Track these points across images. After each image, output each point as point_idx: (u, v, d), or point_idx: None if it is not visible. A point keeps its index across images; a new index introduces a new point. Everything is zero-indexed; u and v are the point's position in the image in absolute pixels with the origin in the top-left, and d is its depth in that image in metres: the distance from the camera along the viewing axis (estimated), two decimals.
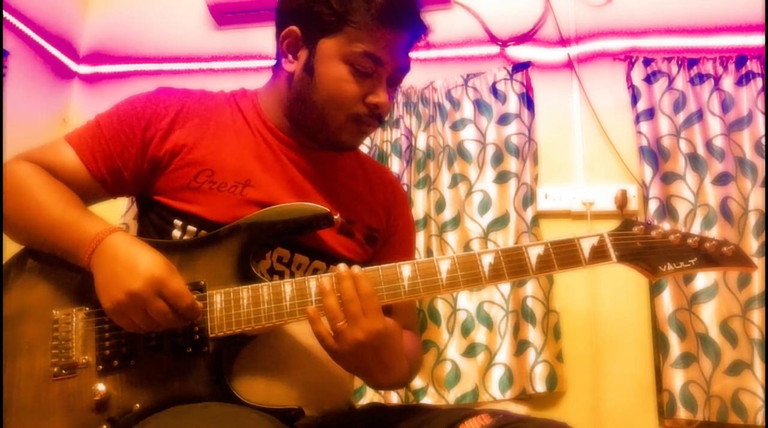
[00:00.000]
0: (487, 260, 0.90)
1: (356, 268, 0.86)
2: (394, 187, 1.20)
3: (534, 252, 0.90)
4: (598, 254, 0.92)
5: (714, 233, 1.78)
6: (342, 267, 0.86)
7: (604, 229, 0.94)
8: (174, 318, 0.84)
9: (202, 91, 1.08)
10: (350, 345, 0.83)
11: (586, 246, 0.92)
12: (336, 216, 0.95)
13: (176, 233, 0.98)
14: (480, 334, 1.89)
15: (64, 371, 0.88)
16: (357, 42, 0.95)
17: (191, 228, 0.97)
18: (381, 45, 0.95)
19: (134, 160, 0.99)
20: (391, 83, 1.02)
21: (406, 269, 0.89)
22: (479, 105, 2.07)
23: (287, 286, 0.89)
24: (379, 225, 1.12)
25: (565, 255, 0.91)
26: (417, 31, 1.01)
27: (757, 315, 1.71)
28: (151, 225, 1.01)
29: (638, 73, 1.97)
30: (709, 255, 0.92)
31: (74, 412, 0.86)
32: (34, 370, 0.88)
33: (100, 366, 0.88)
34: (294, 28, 0.99)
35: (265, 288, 0.89)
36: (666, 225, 0.94)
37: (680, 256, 0.92)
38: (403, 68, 1.03)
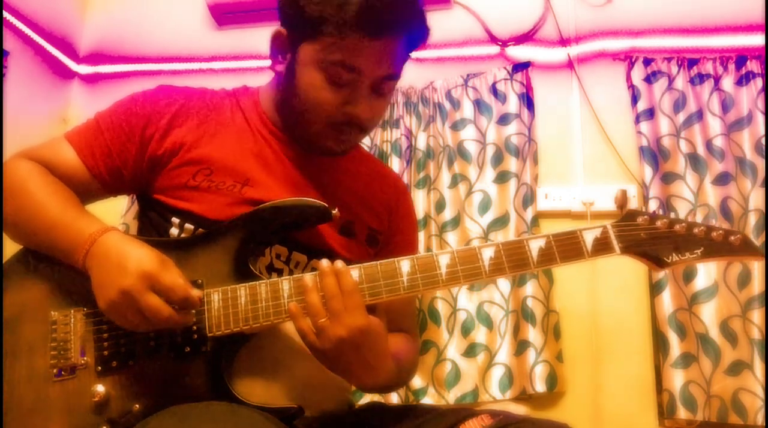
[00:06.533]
0: (487, 254, 0.88)
1: (339, 263, 0.84)
2: (397, 188, 1.18)
3: (535, 246, 0.89)
4: (601, 246, 0.90)
5: None
6: (324, 262, 0.85)
7: (608, 221, 0.92)
8: (169, 313, 0.83)
9: (203, 90, 1.08)
10: (332, 343, 0.81)
11: (589, 238, 0.90)
12: (334, 211, 0.94)
13: (174, 231, 0.97)
14: (480, 334, 1.89)
15: (63, 372, 0.88)
16: (332, 50, 0.90)
17: (189, 226, 0.97)
18: (357, 54, 0.90)
19: (133, 159, 0.99)
20: (377, 91, 0.96)
21: (405, 264, 0.88)
22: (479, 105, 2.07)
23: (285, 284, 0.88)
24: (381, 226, 1.11)
25: (567, 247, 0.89)
26: (406, 38, 0.93)
27: (757, 315, 1.71)
28: (151, 223, 1.01)
29: (638, 73, 1.97)
30: (717, 245, 0.89)
31: (74, 414, 0.86)
32: (34, 371, 0.88)
33: (99, 367, 0.88)
34: (282, 29, 0.98)
35: (263, 286, 0.89)
36: (672, 215, 0.92)
37: (686, 246, 0.90)
38: (390, 76, 0.95)
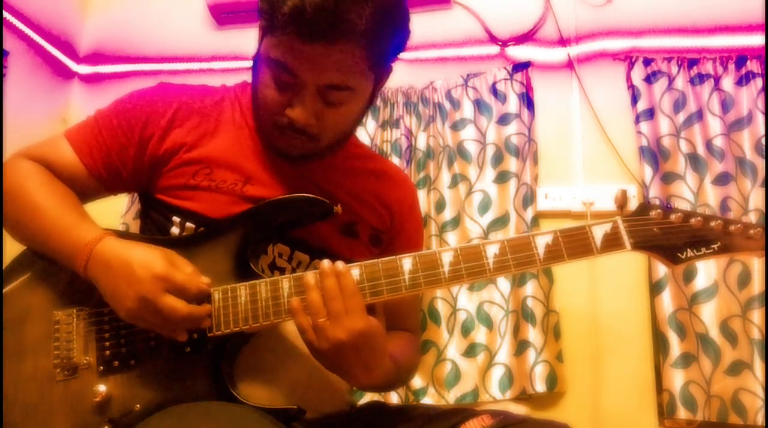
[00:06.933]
0: (491, 251, 0.86)
1: (340, 264, 0.83)
2: (399, 185, 1.16)
3: (542, 242, 0.86)
4: (611, 242, 0.85)
5: None
6: (326, 263, 0.84)
7: (619, 216, 0.88)
8: (188, 309, 0.83)
9: (203, 87, 1.07)
10: (330, 343, 0.80)
11: (598, 233, 0.86)
12: (336, 207, 0.93)
13: (175, 230, 0.97)
14: (480, 334, 1.89)
15: (66, 372, 0.88)
16: (273, 49, 0.87)
17: (190, 225, 0.96)
18: (293, 57, 0.85)
19: (132, 159, 0.99)
20: (325, 99, 0.90)
21: (406, 262, 0.86)
22: (479, 105, 2.07)
23: (285, 283, 0.87)
24: (383, 225, 1.10)
25: (575, 244, 0.85)
26: (359, 47, 0.84)
27: (757, 315, 1.71)
28: (152, 223, 1.01)
29: (638, 73, 1.97)
30: (735, 240, 0.84)
31: (76, 414, 0.86)
32: (38, 371, 0.88)
33: (101, 367, 0.88)
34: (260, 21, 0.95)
35: (263, 285, 0.88)
36: (687, 208, 0.88)
37: (702, 241, 0.85)
38: (333, 86, 0.88)
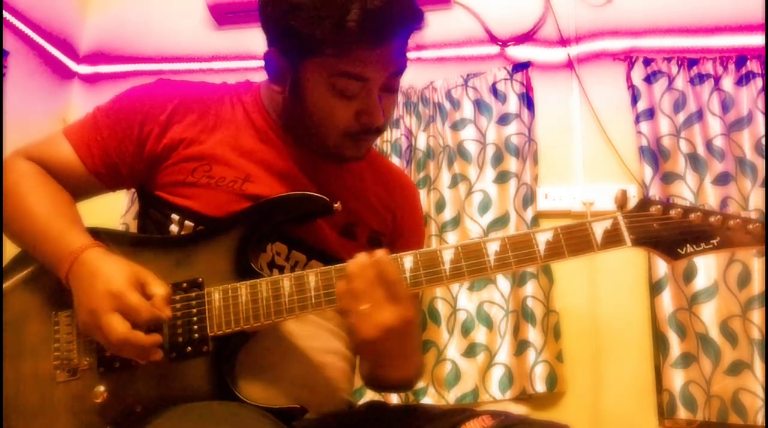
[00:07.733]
0: (492, 248, 0.86)
1: (380, 253, 0.83)
2: (403, 188, 1.15)
3: (542, 239, 0.86)
4: (612, 238, 0.86)
5: None
6: (378, 252, 0.83)
7: (619, 212, 0.89)
8: (125, 334, 0.80)
9: (202, 83, 1.06)
10: (378, 329, 0.79)
11: (599, 230, 0.86)
12: (336, 205, 0.93)
13: (174, 228, 0.97)
14: (480, 334, 1.89)
15: (66, 373, 0.88)
16: (336, 66, 0.87)
17: (188, 223, 0.96)
18: (363, 65, 0.88)
19: (131, 156, 0.98)
20: (387, 89, 0.94)
21: (407, 261, 0.86)
22: (479, 105, 2.07)
23: (286, 281, 0.87)
24: (384, 228, 1.09)
25: (575, 240, 0.86)
26: (404, 34, 0.91)
27: (757, 315, 1.72)
28: (151, 221, 1.00)
29: (638, 73, 1.98)
30: (734, 235, 0.85)
31: (77, 415, 0.86)
32: (38, 373, 0.88)
33: (102, 368, 0.88)
34: (275, 50, 0.95)
35: (263, 284, 0.88)
36: (687, 203, 0.89)
37: (701, 237, 0.85)
38: (397, 73, 0.93)
